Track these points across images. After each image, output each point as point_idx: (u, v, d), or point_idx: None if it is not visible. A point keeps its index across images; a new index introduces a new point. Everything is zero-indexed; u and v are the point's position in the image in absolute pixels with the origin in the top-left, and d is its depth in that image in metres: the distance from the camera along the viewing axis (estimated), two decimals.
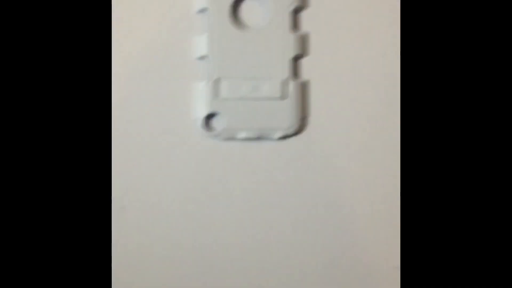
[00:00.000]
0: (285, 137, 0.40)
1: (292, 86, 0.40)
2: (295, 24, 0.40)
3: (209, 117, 0.40)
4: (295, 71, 0.40)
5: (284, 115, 0.40)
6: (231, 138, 0.40)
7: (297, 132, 0.40)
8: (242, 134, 0.40)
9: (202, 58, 0.39)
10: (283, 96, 0.40)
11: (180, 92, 0.40)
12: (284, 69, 0.40)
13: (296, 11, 0.40)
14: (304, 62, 0.40)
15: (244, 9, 0.40)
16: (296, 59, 0.40)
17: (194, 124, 0.40)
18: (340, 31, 0.41)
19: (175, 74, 0.40)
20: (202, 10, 0.39)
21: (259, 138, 0.40)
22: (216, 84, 0.39)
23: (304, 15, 0.40)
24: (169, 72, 0.40)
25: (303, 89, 0.40)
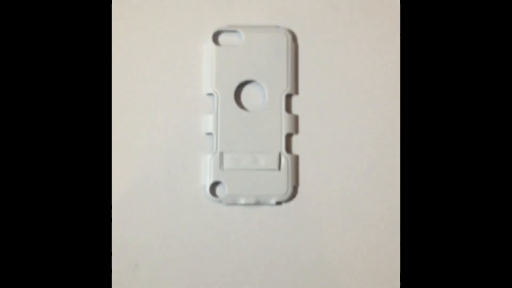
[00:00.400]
0: (280, 202, 0.43)
1: (285, 159, 0.42)
2: (287, 107, 0.43)
3: (214, 185, 0.43)
4: (288, 147, 0.43)
5: (279, 184, 0.42)
6: (233, 204, 0.42)
7: (290, 198, 0.43)
8: (242, 200, 0.42)
9: (209, 134, 0.43)
10: (278, 168, 0.42)
11: (190, 163, 0.42)
12: (279, 145, 0.42)
13: (288, 97, 0.43)
14: (295, 139, 0.43)
15: (245, 93, 0.43)
16: (289, 136, 0.43)
17: (201, 191, 0.42)
18: (326, 113, 0.43)
19: (186, 147, 0.42)
20: (210, 94, 0.43)
21: (257, 203, 0.42)
22: (220, 157, 0.42)
23: (295, 100, 0.44)
24: (181, 145, 0.42)
25: (295, 162, 0.43)
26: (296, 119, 0.44)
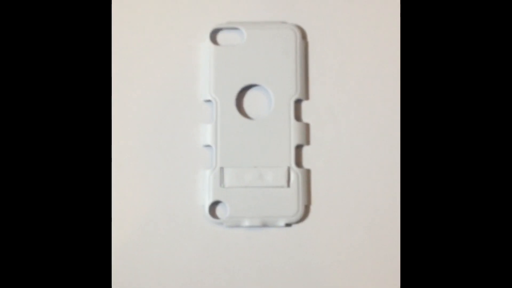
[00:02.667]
0: (289, 224, 0.40)
1: (295, 174, 0.40)
2: (297, 114, 0.41)
3: (214, 205, 0.40)
4: (298, 160, 0.41)
5: (288, 203, 0.40)
6: (236, 226, 0.40)
7: (301, 219, 0.40)
8: (247, 222, 0.40)
9: (207, 146, 0.41)
10: (287, 184, 0.40)
11: (186, 180, 0.40)
12: (288, 158, 0.40)
13: (298, 102, 0.41)
14: (306, 151, 0.41)
15: (248, 99, 0.41)
16: (299, 148, 0.41)
17: (199, 211, 0.40)
18: (341, 121, 0.41)
19: (182, 161, 0.40)
20: (208, 100, 0.41)
21: (263, 225, 0.40)
22: (220, 172, 0.40)
23: (305, 106, 0.41)
24: (176, 160, 0.40)
25: (306, 177, 0.41)
26: (306, 128, 0.41)
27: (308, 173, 0.41)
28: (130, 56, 0.41)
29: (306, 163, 0.41)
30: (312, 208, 0.41)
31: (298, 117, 0.41)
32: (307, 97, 0.41)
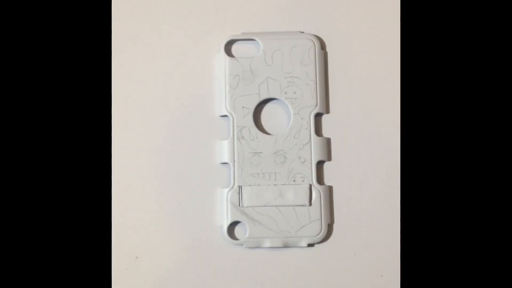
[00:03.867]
0: (312, 244, 0.39)
1: (317, 192, 0.39)
2: (317, 129, 0.40)
3: (233, 225, 0.39)
4: (320, 177, 0.39)
5: (310, 222, 0.38)
6: (256, 247, 0.39)
7: (324, 239, 0.39)
8: (267, 243, 0.39)
9: (224, 164, 0.39)
10: (309, 203, 0.39)
11: (203, 200, 0.39)
12: (309, 175, 0.39)
13: (318, 116, 0.40)
14: (328, 168, 0.40)
15: (265, 114, 0.40)
16: (320, 164, 0.40)
17: (217, 232, 0.39)
18: (364, 135, 0.40)
19: (198, 181, 0.39)
20: (224, 115, 0.40)
21: (285, 246, 0.39)
22: (239, 191, 0.39)
23: (326, 120, 0.40)
24: (192, 179, 0.39)
25: (329, 195, 0.39)
26: (328, 143, 0.40)
27: (330, 190, 0.39)
28: (142, 71, 0.40)
29: (327, 180, 0.40)
30: (335, 227, 0.39)
31: (318, 131, 0.40)
32: (327, 110, 0.40)
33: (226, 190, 0.39)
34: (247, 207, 0.39)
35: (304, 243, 0.38)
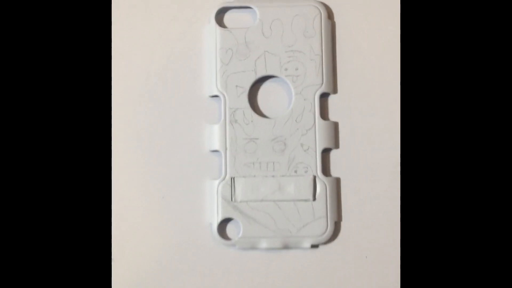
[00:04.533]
0: (316, 245, 0.37)
1: (322, 185, 0.36)
2: (323, 111, 0.37)
3: (224, 223, 0.37)
4: (326, 167, 0.37)
5: (314, 220, 0.36)
6: (251, 248, 0.36)
7: (330, 239, 0.37)
8: (264, 244, 0.36)
9: (214, 152, 0.37)
10: (312, 197, 0.36)
11: (190, 193, 0.37)
12: (313, 165, 0.36)
13: (324, 97, 0.37)
14: (335, 156, 0.37)
15: (263, 94, 0.38)
16: (326, 152, 0.37)
17: (207, 231, 0.37)
18: (377, 119, 0.38)
19: (184, 170, 0.37)
20: (215, 96, 0.37)
21: (285, 247, 0.36)
22: (231, 183, 0.36)
23: (333, 101, 0.38)
24: (177, 169, 0.37)
25: (336, 188, 0.37)
26: (335, 127, 0.38)
27: (337, 183, 0.37)
28: (122, 45, 0.38)
29: (334, 171, 0.37)
30: (343, 225, 0.37)
31: (324, 114, 0.37)
32: (334, 90, 0.38)
33: (217, 182, 0.36)
34: (240, 202, 0.36)
35: (307, 244, 0.36)
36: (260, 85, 0.38)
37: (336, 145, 0.37)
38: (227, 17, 0.38)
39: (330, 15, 0.38)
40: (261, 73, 0.37)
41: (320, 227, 0.36)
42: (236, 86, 0.37)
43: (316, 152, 0.36)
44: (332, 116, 0.38)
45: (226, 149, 0.36)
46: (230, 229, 0.37)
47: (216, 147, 0.36)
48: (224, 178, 0.36)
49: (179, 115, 0.37)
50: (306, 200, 0.36)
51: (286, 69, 0.37)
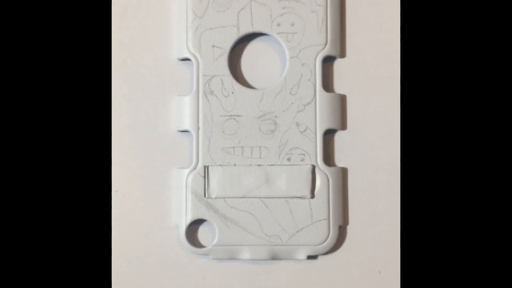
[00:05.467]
0: (314, 256, 0.33)
1: (324, 177, 0.32)
2: (326, 80, 0.33)
3: (194, 225, 0.32)
4: (328, 154, 0.33)
5: (311, 223, 0.32)
6: (229, 259, 0.32)
7: (331, 249, 0.32)
8: (246, 254, 0.32)
9: (184, 132, 0.33)
10: (310, 194, 0.32)
11: (152, 184, 0.33)
12: (312, 151, 0.32)
13: (327, 61, 0.33)
14: (340, 140, 0.33)
15: (248, 57, 0.33)
16: (329, 135, 0.33)
17: (173, 235, 0.33)
18: (393, 90, 0.34)
19: (144, 155, 0.33)
20: (185, 59, 0.33)
21: (273, 258, 0.32)
22: (204, 174, 0.32)
23: (339, 68, 0.33)
24: (136, 152, 0.33)
25: (341, 182, 0.32)
26: (341, 102, 0.34)
27: (343, 175, 0.33)
28: None
29: (339, 160, 0.33)
30: (350, 230, 0.33)
31: (328, 85, 0.33)
32: (342, 53, 0.34)
33: (185, 172, 0.32)
34: (215, 198, 0.32)
35: (302, 255, 0.32)
36: (245, 45, 0.34)
37: (343, 126, 0.34)
38: None
39: None
40: (245, 30, 0.33)
41: (320, 233, 0.32)
42: (213, 46, 0.33)
43: (316, 134, 0.33)
44: (338, 87, 0.34)
45: (198, 129, 0.32)
46: (202, 233, 0.33)
47: (186, 126, 0.33)
48: (195, 167, 0.32)
49: (138, 85, 0.33)
50: (302, 197, 0.32)
51: (278, 25, 0.33)
